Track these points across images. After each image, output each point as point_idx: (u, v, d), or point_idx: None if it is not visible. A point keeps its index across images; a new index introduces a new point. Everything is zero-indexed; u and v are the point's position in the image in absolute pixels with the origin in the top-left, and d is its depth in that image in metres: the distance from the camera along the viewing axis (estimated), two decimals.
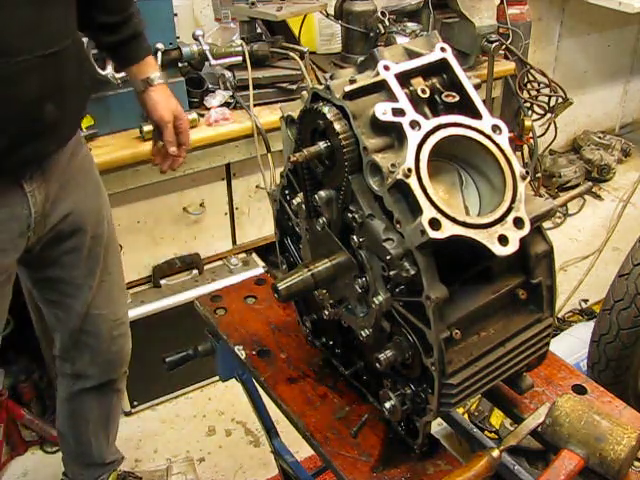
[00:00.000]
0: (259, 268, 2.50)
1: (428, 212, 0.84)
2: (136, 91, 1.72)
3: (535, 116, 3.27)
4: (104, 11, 1.56)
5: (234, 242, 2.52)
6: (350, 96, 0.92)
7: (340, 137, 0.92)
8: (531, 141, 3.31)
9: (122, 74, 2.02)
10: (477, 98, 0.95)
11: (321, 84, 0.96)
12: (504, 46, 2.84)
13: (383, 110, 0.90)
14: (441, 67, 0.98)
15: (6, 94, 1.23)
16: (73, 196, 1.51)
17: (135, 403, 2.49)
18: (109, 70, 1.99)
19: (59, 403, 1.93)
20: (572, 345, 2.32)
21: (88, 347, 1.76)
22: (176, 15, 2.17)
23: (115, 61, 1.82)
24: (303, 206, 1.08)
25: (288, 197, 1.13)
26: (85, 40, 1.78)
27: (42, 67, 1.26)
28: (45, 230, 1.47)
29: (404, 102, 0.91)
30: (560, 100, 3.20)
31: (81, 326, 1.70)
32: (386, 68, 0.94)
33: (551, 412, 1.02)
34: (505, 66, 2.86)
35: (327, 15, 2.63)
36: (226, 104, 2.28)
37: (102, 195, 1.65)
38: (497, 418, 2.17)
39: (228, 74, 2.28)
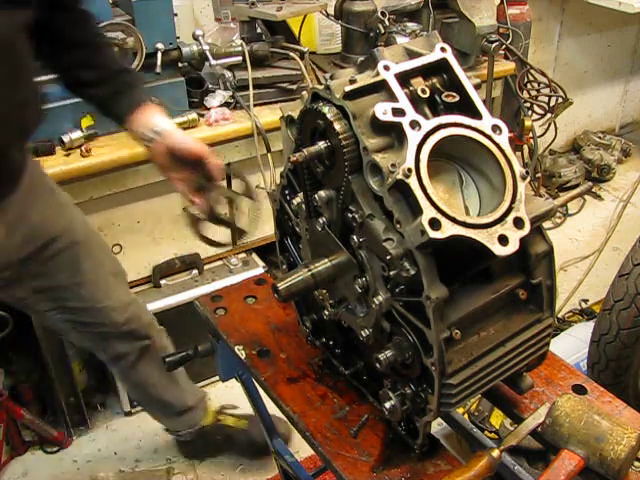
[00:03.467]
0: (259, 268, 2.50)
1: (428, 212, 0.84)
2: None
3: (535, 116, 3.27)
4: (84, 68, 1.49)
5: (234, 242, 2.52)
6: (350, 96, 0.92)
7: (340, 137, 0.92)
8: (531, 141, 3.31)
9: None
10: (477, 98, 0.95)
11: (321, 84, 0.96)
12: (504, 46, 2.84)
13: (383, 110, 0.90)
14: (441, 67, 0.97)
15: None
16: (33, 217, 1.53)
17: (135, 403, 2.49)
18: None
19: (120, 382, 2.09)
20: (572, 345, 2.32)
21: (109, 334, 1.82)
22: (176, 15, 2.18)
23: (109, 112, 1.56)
24: (303, 206, 1.08)
25: (288, 197, 1.13)
26: None
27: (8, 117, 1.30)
28: (9, 257, 1.53)
29: (404, 102, 0.91)
30: (560, 100, 3.20)
31: (91, 320, 1.76)
32: (386, 68, 0.94)
33: (551, 412, 1.02)
34: (505, 66, 2.86)
35: (327, 15, 2.63)
36: (226, 104, 2.28)
37: (60, 197, 1.64)
38: (497, 418, 2.17)
39: (228, 74, 2.28)
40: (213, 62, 2.22)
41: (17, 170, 1.43)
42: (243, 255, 2.56)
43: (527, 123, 3.18)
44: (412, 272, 0.88)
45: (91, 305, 1.73)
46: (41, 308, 1.74)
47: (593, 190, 3.84)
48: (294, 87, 2.34)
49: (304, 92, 1.00)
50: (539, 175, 3.62)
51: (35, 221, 1.54)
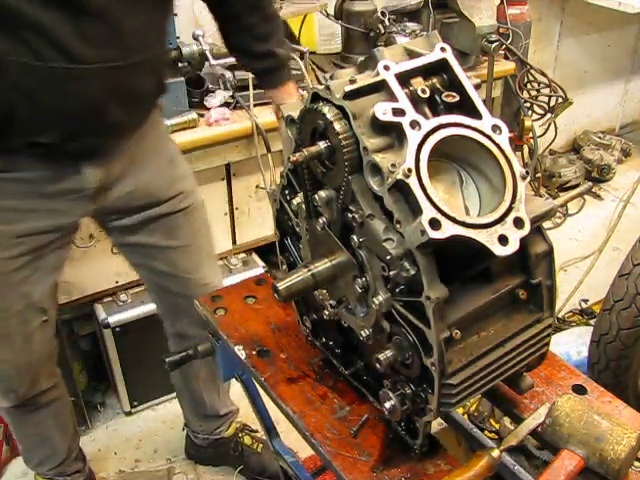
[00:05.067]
0: (259, 268, 2.50)
1: (428, 212, 0.84)
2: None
3: (535, 116, 3.27)
4: (254, 39, 1.69)
5: (234, 242, 2.52)
6: (350, 96, 0.92)
7: (340, 137, 0.92)
8: (531, 141, 3.31)
9: None
10: (477, 98, 0.95)
11: (321, 84, 0.96)
12: (504, 46, 2.84)
13: (383, 110, 0.90)
14: (441, 67, 0.97)
15: (71, 94, 1.30)
16: (139, 174, 1.58)
17: (135, 403, 2.49)
18: None
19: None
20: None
21: (183, 310, 1.81)
22: (176, 15, 2.17)
23: (258, 82, 1.91)
24: (303, 206, 1.08)
25: (288, 197, 1.13)
26: None
27: (111, 76, 1.33)
28: (109, 202, 1.56)
29: (404, 102, 0.91)
30: (560, 100, 3.20)
31: (173, 288, 1.78)
32: (386, 68, 0.94)
33: (551, 412, 1.02)
34: (505, 66, 2.87)
35: (327, 15, 2.63)
36: (226, 104, 2.28)
37: (177, 168, 1.71)
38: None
39: (228, 74, 2.28)
40: (213, 62, 2.22)
41: (115, 125, 1.44)
42: (243, 255, 2.56)
43: (527, 123, 3.18)
44: (412, 272, 0.88)
45: (177, 273, 1.75)
46: (129, 258, 1.79)
47: (593, 190, 3.84)
48: None
49: (304, 92, 1.00)
50: (539, 175, 3.62)
51: (144, 180, 1.59)
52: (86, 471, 2.11)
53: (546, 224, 1.03)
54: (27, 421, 1.84)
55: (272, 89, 1.75)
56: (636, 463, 1.01)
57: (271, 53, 1.69)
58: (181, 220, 1.71)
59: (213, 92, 2.30)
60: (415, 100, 0.94)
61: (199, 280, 1.79)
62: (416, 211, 0.86)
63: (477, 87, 0.97)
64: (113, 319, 2.27)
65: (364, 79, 0.94)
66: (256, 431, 2.26)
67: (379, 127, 0.91)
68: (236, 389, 1.55)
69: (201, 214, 1.80)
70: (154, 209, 1.65)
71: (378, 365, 0.99)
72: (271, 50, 1.69)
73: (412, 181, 0.85)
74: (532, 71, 3.16)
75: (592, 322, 2.70)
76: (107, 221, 1.68)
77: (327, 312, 1.11)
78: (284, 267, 1.24)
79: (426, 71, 0.97)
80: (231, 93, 2.29)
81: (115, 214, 1.64)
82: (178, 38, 2.18)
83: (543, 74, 3.17)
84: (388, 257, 0.90)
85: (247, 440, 2.24)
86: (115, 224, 1.67)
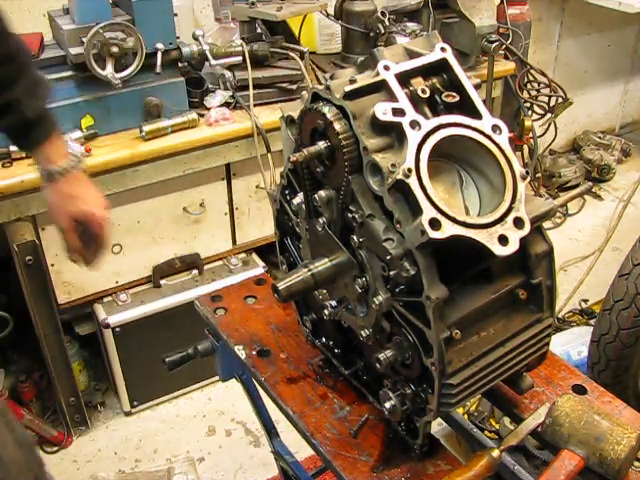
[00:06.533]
0: (259, 268, 2.50)
1: (428, 212, 0.84)
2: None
3: (535, 116, 3.27)
4: None
5: (234, 242, 2.52)
6: (350, 96, 0.92)
7: (340, 137, 0.92)
8: (531, 141, 3.31)
9: (122, 74, 2.02)
10: (477, 98, 0.95)
11: (321, 84, 0.96)
12: (504, 46, 2.84)
13: (383, 110, 0.90)
14: (441, 67, 0.98)
15: None
16: None
17: (135, 403, 2.49)
18: (109, 70, 1.99)
19: None
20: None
21: None
22: (176, 15, 2.18)
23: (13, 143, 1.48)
24: (303, 206, 1.08)
25: (288, 197, 1.13)
26: None
27: None
28: None
29: (404, 102, 0.91)
30: (560, 100, 3.20)
31: None
32: (386, 68, 0.94)
33: (551, 412, 1.02)
34: (505, 66, 2.86)
35: (327, 15, 2.63)
36: (226, 104, 2.28)
37: None
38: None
39: (228, 74, 2.28)
40: (213, 62, 2.22)
41: None
42: (243, 255, 2.56)
43: (527, 123, 3.18)
44: (412, 272, 0.88)
45: None
46: None
47: (593, 190, 3.84)
48: (294, 87, 2.34)
49: (304, 92, 1.00)
50: (539, 175, 3.62)
51: None
52: None
53: (546, 224, 1.03)
54: None
55: (30, 149, 1.35)
56: (636, 463, 1.01)
57: (13, 105, 1.26)
58: None
59: (213, 92, 2.30)
60: (415, 100, 0.94)
61: None
62: (416, 211, 0.86)
63: (477, 87, 0.97)
64: (113, 319, 2.27)
65: (364, 79, 0.94)
66: None
67: (379, 127, 0.91)
68: (236, 389, 1.54)
69: None
70: None
71: (378, 365, 0.99)
72: (13, 101, 1.26)
73: (412, 181, 0.85)
74: (532, 71, 3.16)
75: (592, 322, 2.70)
76: None
77: (327, 312, 1.11)
78: (284, 267, 1.24)
79: (426, 71, 0.97)
80: (231, 93, 2.29)
81: None
82: (178, 38, 2.18)
83: (543, 74, 3.17)
84: (388, 257, 0.90)
85: None
86: None
